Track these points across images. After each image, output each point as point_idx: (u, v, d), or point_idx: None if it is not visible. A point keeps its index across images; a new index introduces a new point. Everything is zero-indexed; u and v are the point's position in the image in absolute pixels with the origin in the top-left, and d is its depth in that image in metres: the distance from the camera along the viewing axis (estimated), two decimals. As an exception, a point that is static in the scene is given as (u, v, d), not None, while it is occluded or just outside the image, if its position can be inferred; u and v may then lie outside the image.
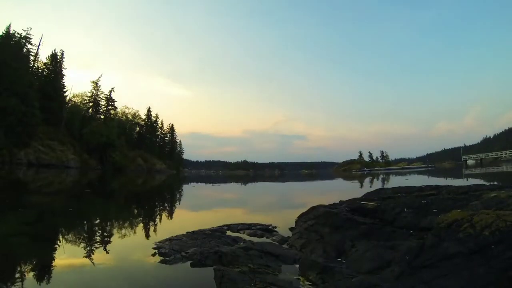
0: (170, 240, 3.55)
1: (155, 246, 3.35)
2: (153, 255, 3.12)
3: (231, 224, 4.90)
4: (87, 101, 48.59)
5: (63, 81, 41.37)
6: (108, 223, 5.41)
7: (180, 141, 76.64)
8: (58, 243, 3.76)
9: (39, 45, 37.80)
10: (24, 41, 35.23)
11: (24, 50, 35.24)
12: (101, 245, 3.72)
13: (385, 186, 9.59)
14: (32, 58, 37.05)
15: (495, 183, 6.40)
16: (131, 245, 3.64)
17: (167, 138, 72.04)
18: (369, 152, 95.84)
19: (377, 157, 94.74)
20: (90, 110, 47.87)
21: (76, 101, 48.87)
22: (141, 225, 5.26)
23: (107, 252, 3.41)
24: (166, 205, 9.11)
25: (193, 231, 3.99)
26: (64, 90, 41.96)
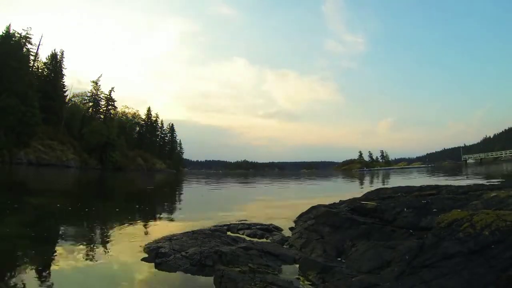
0: (170, 239, 3.54)
1: (155, 246, 3.35)
2: (153, 255, 3.11)
3: (231, 224, 4.91)
4: (87, 101, 48.56)
5: (63, 81, 41.34)
6: (108, 224, 5.40)
7: (180, 141, 76.61)
8: (57, 245, 3.75)
9: (39, 45, 37.74)
10: (24, 41, 35.19)
11: (24, 50, 35.19)
12: (100, 246, 3.73)
13: (385, 186, 9.58)
14: (32, 58, 37.01)
15: (495, 183, 6.40)
16: (131, 245, 3.63)
17: (167, 138, 72.08)
18: (369, 151, 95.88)
19: (377, 156, 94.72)
20: (90, 110, 47.83)
21: (76, 101, 48.89)
22: (141, 225, 5.26)
23: (106, 253, 3.41)
24: (166, 204, 9.11)
25: (193, 231, 3.98)
26: (64, 90, 41.95)
